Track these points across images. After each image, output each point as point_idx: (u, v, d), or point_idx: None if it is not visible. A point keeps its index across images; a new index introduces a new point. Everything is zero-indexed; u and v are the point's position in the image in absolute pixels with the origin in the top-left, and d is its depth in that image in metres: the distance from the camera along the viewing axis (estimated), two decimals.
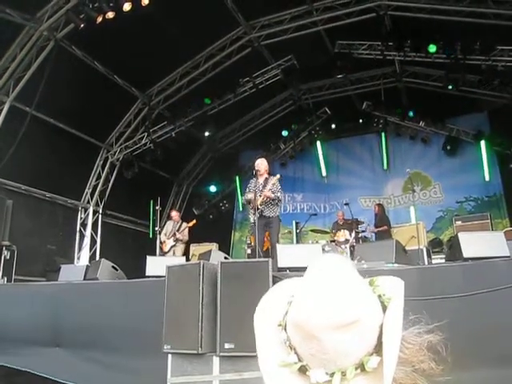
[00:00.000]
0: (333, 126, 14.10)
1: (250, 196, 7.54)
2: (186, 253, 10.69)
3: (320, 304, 0.86)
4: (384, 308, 0.92)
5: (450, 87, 11.25)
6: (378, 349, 0.89)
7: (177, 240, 10.34)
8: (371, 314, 0.89)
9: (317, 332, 0.86)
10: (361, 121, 13.74)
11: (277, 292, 1.05)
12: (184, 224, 10.66)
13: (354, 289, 0.90)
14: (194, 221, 10.86)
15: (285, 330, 0.94)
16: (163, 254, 10.28)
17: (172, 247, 10.31)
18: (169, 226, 10.76)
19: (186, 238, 10.61)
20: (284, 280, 1.08)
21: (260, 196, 7.44)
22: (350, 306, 0.86)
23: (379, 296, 0.94)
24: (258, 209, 7.28)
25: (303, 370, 0.90)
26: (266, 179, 7.74)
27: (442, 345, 0.98)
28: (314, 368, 0.89)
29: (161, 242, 10.33)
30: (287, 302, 0.96)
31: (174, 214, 11.14)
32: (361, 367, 0.88)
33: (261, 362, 0.96)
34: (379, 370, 0.87)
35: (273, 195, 7.47)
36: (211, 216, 15.08)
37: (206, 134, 13.80)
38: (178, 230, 10.44)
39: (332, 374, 0.88)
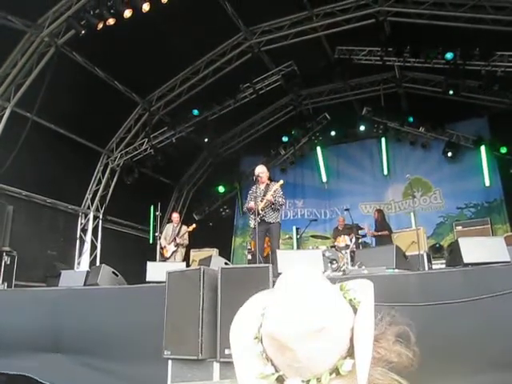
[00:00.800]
0: (332, 133, 14.14)
1: (250, 205, 7.55)
2: (186, 257, 10.63)
3: (288, 314, 0.89)
4: (355, 311, 0.94)
5: (451, 92, 11.25)
6: (351, 352, 0.90)
7: (177, 245, 10.28)
8: (340, 319, 0.91)
9: (288, 342, 0.88)
10: (361, 127, 13.76)
11: (251, 305, 1.07)
12: (184, 227, 10.57)
13: (321, 297, 0.92)
14: (194, 225, 10.79)
15: (261, 342, 0.96)
16: (164, 259, 10.20)
17: (173, 253, 10.25)
18: (169, 229, 10.67)
19: (187, 241, 10.54)
20: (257, 293, 1.11)
21: (261, 201, 7.46)
22: (317, 313, 0.88)
23: (350, 300, 0.96)
24: (258, 214, 7.29)
25: (280, 380, 0.92)
26: (268, 185, 7.76)
27: (409, 329, 1.00)
28: (291, 377, 0.91)
29: (161, 247, 10.23)
30: (261, 314, 0.98)
31: (175, 215, 11.06)
32: (335, 371, 0.89)
33: (239, 375, 0.98)
34: (354, 372, 0.88)
35: (273, 199, 7.48)
36: (211, 223, 15.06)
37: (207, 139, 13.82)
38: (177, 234, 10.38)
39: (308, 382, 0.89)
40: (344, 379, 0.89)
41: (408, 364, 0.97)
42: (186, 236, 10.52)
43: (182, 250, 10.47)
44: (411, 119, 13.07)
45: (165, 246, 10.32)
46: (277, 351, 0.91)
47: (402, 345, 0.97)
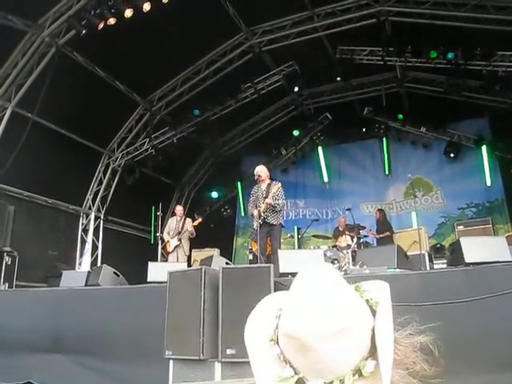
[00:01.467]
0: (334, 133, 14.16)
1: (255, 213, 7.55)
2: (190, 251, 10.33)
3: (310, 314, 0.87)
4: (373, 312, 0.93)
5: (454, 92, 11.24)
6: (373, 352, 0.89)
7: (180, 239, 9.91)
8: (361, 320, 0.90)
9: (311, 342, 0.86)
10: (363, 127, 13.76)
11: (264, 307, 1.05)
12: (188, 220, 10.21)
13: (342, 297, 0.91)
14: (200, 219, 10.61)
15: (277, 344, 0.94)
16: (167, 254, 9.98)
17: (176, 247, 9.89)
18: (172, 223, 10.30)
19: (193, 232, 10.07)
20: (269, 295, 1.08)
21: (263, 203, 7.47)
22: (339, 313, 0.87)
23: (367, 301, 0.95)
24: (260, 216, 7.30)
25: (301, 383, 0.90)
26: (269, 185, 7.77)
27: (434, 345, 0.99)
28: (311, 379, 0.89)
29: (162, 241, 9.97)
30: (275, 316, 0.97)
31: (179, 208, 10.68)
32: (358, 373, 0.88)
33: (257, 379, 0.96)
34: (376, 373, 0.87)
35: (274, 202, 7.47)
36: (212, 225, 15.05)
37: (208, 139, 13.82)
38: (182, 228, 10.03)
39: (331, 383, 0.88)
40: (367, 380, 0.88)
41: (423, 374, 0.96)
42: (192, 229, 10.07)
43: (186, 244, 10.08)
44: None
45: (168, 241, 10.05)
46: (297, 352, 0.89)
47: (419, 354, 0.96)
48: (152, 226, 13.33)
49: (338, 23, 10.88)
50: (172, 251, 9.92)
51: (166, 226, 10.42)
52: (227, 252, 13.17)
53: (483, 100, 11.89)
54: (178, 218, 10.30)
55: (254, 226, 7.57)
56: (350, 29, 10.83)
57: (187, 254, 10.13)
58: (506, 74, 10.31)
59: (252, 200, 7.93)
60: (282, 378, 0.91)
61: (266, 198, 7.53)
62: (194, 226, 10.14)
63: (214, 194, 15.54)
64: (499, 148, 12.32)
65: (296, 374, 0.90)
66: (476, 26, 9.61)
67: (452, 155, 13.00)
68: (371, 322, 0.91)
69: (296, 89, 12.66)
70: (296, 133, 14.55)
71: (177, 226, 10.12)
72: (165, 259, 10.07)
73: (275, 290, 4.42)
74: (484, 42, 10.03)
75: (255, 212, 7.50)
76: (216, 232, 14.54)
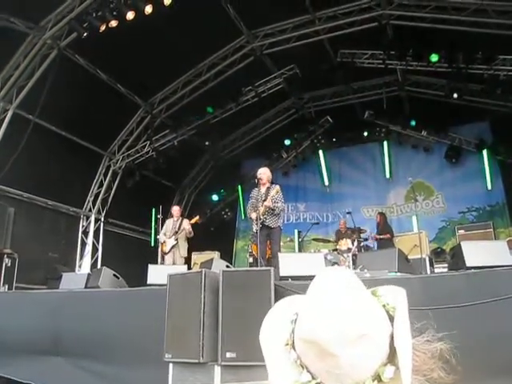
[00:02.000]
0: (334, 136, 14.21)
1: (253, 216, 7.54)
2: (189, 253, 10.15)
3: (331, 319, 0.85)
4: (390, 317, 0.91)
5: (456, 95, 11.23)
6: (392, 358, 0.88)
7: (177, 239, 9.67)
8: (380, 325, 0.88)
9: (331, 347, 0.84)
10: (364, 131, 13.77)
11: (278, 311, 1.03)
12: (185, 220, 10.02)
13: (363, 301, 0.89)
14: (198, 217, 10.44)
15: (293, 348, 0.92)
16: (163, 255, 9.77)
17: (173, 247, 9.68)
18: (169, 224, 10.09)
19: (190, 230, 9.82)
20: (283, 299, 1.06)
21: (261, 206, 7.44)
22: (360, 318, 0.86)
23: (383, 306, 0.93)
24: (259, 219, 7.27)
25: None
26: (268, 188, 7.72)
27: (451, 353, 0.97)
28: None
29: (157, 242, 9.76)
30: (290, 320, 0.95)
31: (175, 209, 10.48)
32: (377, 378, 0.86)
33: None
34: (395, 379, 0.86)
35: (273, 205, 7.44)
36: (212, 228, 15.06)
37: (208, 142, 13.82)
38: (178, 228, 9.81)
39: None
40: None
41: (440, 382, 0.94)
42: (190, 227, 9.84)
43: (183, 245, 9.83)
44: (413, 123, 13.08)
45: (164, 242, 9.85)
46: (315, 357, 0.87)
47: (437, 361, 0.95)
48: (152, 228, 13.33)
49: (340, 27, 10.88)
50: (169, 252, 9.73)
51: (163, 227, 10.25)
52: (227, 255, 13.16)
53: (484, 104, 11.90)
54: (175, 219, 10.15)
55: (254, 229, 7.55)
56: (352, 32, 10.82)
57: (185, 255, 9.91)
58: (507, 78, 10.31)
59: (251, 203, 7.89)
60: (299, 383, 0.90)
61: (264, 200, 7.50)
62: (192, 225, 9.97)
63: (215, 197, 15.55)
64: (500, 152, 12.31)
65: (313, 379, 0.89)
66: (477, 30, 9.62)
67: (454, 161, 13.00)
68: (390, 328, 0.90)
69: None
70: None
71: (174, 227, 9.95)
72: (162, 255, 9.83)
73: (275, 294, 4.41)
74: (485, 45, 10.03)
75: (253, 215, 7.48)
76: (216, 235, 14.55)
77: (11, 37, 9.20)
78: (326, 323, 0.85)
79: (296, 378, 0.90)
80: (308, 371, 0.90)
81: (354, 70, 11.67)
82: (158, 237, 10.10)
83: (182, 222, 10.03)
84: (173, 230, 9.87)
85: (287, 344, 0.94)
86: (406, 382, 0.83)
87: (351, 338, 0.84)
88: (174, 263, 9.53)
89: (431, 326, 1.00)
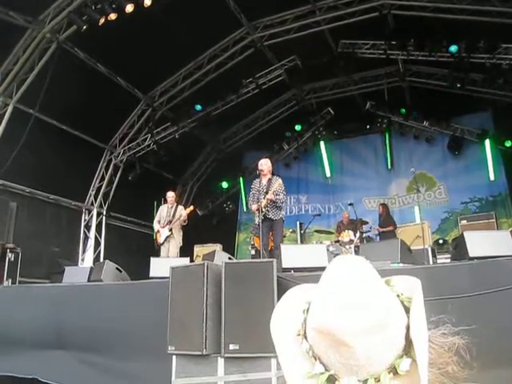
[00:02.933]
0: (335, 130, 14.23)
1: (254, 208, 7.54)
2: (185, 243, 9.65)
3: (346, 309, 0.82)
4: (405, 308, 0.89)
5: (459, 85, 11.17)
6: (408, 350, 0.85)
7: (172, 230, 9.30)
8: (397, 316, 0.86)
9: (346, 338, 0.82)
10: (367, 126, 13.74)
11: (289, 301, 0.99)
12: (180, 207, 9.63)
13: (378, 290, 0.87)
14: (192, 207, 10.12)
15: (305, 339, 0.89)
16: (158, 246, 9.39)
17: (167, 238, 9.30)
18: (163, 211, 9.62)
19: (186, 220, 9.43)
20: (293, 288, 1.02)
21: (264, 198, 7.42)
22: (377, 308, 0.83)
23: (397, 296, 0.90)
24: (262, 211, 7.26)
25: (332, 380, 0.86)
26: (270, 180, 7.69)
27: (465, 348, 0.94)
28: (344, 376, 0.85)
29: (153, 231, 9.48)
30: (302, 310, 0.92)
31: (170, 194, 9.82)
32: (393, 371, 0.84)
33: (286, 375, 0.91)
34: (412, 372, 0.83)
35: (275, 198, 7.42)
36: (214, 222, 15.06)
37: (210, 135, 13.80)
38: (173, 216, 9.37)
39: (365, 381, 0.84)
40: (402, 379, 0.84)
41: (454, 376, 0.91)
42: (185, 216, 9.42)
43: (177, 234, 9.46)
44: (415, 114, 13.03)
45: (158, 231, 9.42)
46: (329, 348, 0.84)
47: (452, 355, 0.92)
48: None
49: (340, 17, 10.82)
50: (163, 243, 9.36)
51: (157, 214, 9.81)
52: (230, 247, 13.18)
53: (486, 93, 11.83)
54: (169, 206, 9.70)
55: (256, 221, 7.54)
56: (352, 23, 10.76)
57: (180, 244, 9.52)
58: (509, 67, 10.23)
59: (252, 194, 7.85)
60: (312, 374, 0.87)
61: (266, 192, 7.48)
62: (188, 214, 9.59)
63: (217, 189, 15.55)
64: (502, 142, 12.26)
65: (327, 370, 0.86)
66: (479, 19, 9.54)
67: (454, 148, 12.95)
68: (405, 319, 0.87)
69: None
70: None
71: (168, 214, 9.51)
72: (157, 246, 9.44)
73: (278, 285, 4.40)
74: (487, 34, 9.96)
75: (255, 207, 7.46)
76: (218, 227, 14.57)
77: (10, 31, 9.16)
78: (340, 313, 0.82)
79: (309, 369, 0.88)
80: (321, 362, 0.87)
81: (355, 60, 11.64)
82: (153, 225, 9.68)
83: (176, 208, 9.63)
84: (167, 219, 9.48)
85: (299, 334, 0.91)
86: (423, 376, 0.80)
87: (367, 329, 0.81)
88: (168, 254, 9.19)
89: (449, 320, 0.96)
